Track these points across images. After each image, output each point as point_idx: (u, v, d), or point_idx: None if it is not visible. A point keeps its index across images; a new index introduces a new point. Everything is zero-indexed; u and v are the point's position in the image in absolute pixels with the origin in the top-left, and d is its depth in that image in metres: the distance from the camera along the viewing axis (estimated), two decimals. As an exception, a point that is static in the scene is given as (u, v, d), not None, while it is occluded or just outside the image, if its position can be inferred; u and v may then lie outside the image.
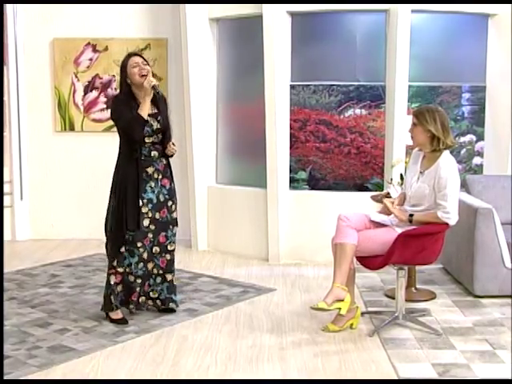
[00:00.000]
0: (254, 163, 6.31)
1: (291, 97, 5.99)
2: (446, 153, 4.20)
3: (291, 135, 6.01)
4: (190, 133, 6.39)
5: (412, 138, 4.28)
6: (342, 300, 4.09)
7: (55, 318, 4.51)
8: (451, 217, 4.09)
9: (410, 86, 5.83)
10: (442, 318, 4.52)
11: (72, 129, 6.94)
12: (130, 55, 4.41)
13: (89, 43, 6.82)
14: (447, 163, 4.14)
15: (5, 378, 3.49)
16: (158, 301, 4.57)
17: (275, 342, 4.10)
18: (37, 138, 6.95)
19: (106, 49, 6.82)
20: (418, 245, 4.11)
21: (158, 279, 4.52)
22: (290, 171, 6.05)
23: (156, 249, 4.45)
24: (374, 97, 5.90)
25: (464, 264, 5.04)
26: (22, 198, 6.95)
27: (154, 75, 4.41)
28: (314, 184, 6.04)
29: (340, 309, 4.10)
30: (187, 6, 6.23)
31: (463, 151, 6.05)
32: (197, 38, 6.32)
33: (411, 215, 4.18)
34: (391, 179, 5.26)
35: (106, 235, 4.42)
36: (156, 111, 4.41)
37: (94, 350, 3.94)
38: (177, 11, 6.47)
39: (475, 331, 4.26)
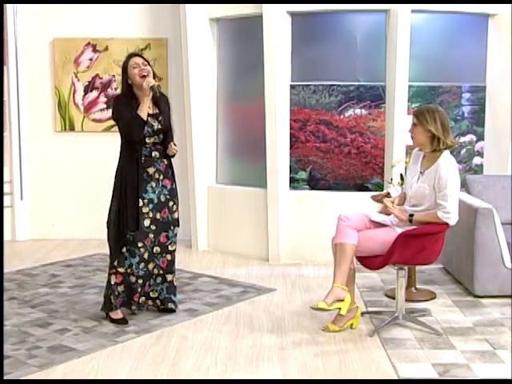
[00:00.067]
0: (253, 163, 6.31)
1: (291, 97, 5.99)
2: (446, 153, 4.20)
3: (291, 135, 6.01)
4: (190, 133, 6.39)
5: (412, 137, 4.28)
6: (342, 300, 4.09)
7: (55, 318, 4.51)
8: (451, 217, 4.09)
9: (410, 86, 5.83)
10: (442, 317, 4.52)
11: (72, 129, 6.94)
12: (130, 56, 4.42)
13: (89, 43, 6.82)
14: (447, 163, 4.14)
15: (5, 378, 3.49)
16: (157, 300, 4.57)
17: (275, 341, 4.10)
18: (37, 138, 6.95)
19: (106, 49, 6.82)
20: (418, 245, 4.11)
21: (159, 279, 4.52)
22: (290, 171, 6.05)
23: (157, 249, 4.45)
24: (374, 97, 5.90)
25: (464, 264, 5.04)
26: (22, 198, 6.95)
27: (154, 75, 4.41)
28: (314, 184, 6.04)
29: (340, 309, 4.10)
30: (187, 5, 6.23)
31: (463, 151, 6.05)
32: (197, 37, 6.32)
33: (411, 215, 4.18)
34: (391, 179, 5.26)
35: (108, 235, 4.41)
36: (157, 112, 4.41)
37: (94, 350, 3.94)
38: (177, 11, 6.47)
39: (475, 331, 4.26)
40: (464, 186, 5.39)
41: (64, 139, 6.97)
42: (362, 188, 5.96)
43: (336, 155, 5.98)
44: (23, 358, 3.83)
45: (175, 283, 4.59)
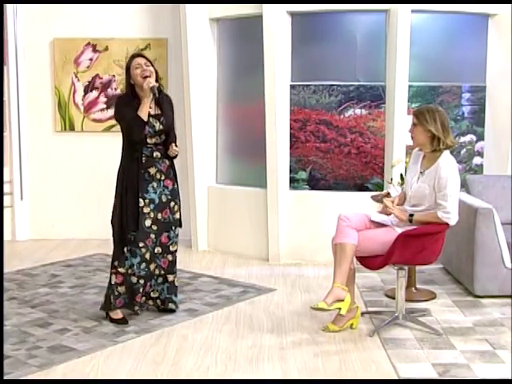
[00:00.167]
0: (253, 163, 6.31)
1: (291, 97, 5.99)
2: (446, 153, 4.20)
3: (291, 135, 6.01)
4: (190, 133, 6.39)
5: (412, 137, 4.28)
6: (342, 300, 4.09)
7: (55, 318, 4.51)
8: (451, 217, 4.09)
9: (410, 86, 5.83)
10: (442, 317, 4.52)
11: (72, 129, 6.94)
12: (133, 56, 4.43)
13: (89, 43, 6.82)
14: (447, 163, 4.14)
15: (5, 378, 3.49)
16: (158, 300, 4.57)
17: (275, 341, 4.10)
18: (37, 138, 6.95)
19: (106, 49, 6.82)
20: (418, 245, 4.11)
21: (160, 280, 4.52)
22: (290, 171, 6.05)
23: (158, 249, 4.45)
24: (374, 97, 5.90)
25: (464, 264, 5.04)
26: (22, 198, 6.95)
27: (157, 76, 4.40)
28: (314, 184, 6.04)
29: (340, 309, 4.10)
30: (187, 5, 6.23)
31: (463, 151, 6.05)
32: (197, 37, 6.32)
33: (411, 215, 4.18)
34: (391, 179, 5.26)
35: (113, 235, 4.41)
36: (159, 112, 4.41)
37: (94, 350, 3.94)
38: (177, 11, 6.47)
39: (475, 331, 4.26)
40: (464, 185, 5.39)
41: (64, 139, 6.97)
42: (361, 188, 5.96)
43: (336, 155, 5.98)
44: (23, 358, 3.83)
45: (176, 283, 4.59)
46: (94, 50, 6.83)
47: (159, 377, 3.61)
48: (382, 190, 5.73)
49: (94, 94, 6.89)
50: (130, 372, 3.67)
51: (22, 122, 6.87)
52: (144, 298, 4.51)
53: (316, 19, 5.92)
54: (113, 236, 4.41)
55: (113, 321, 4.40)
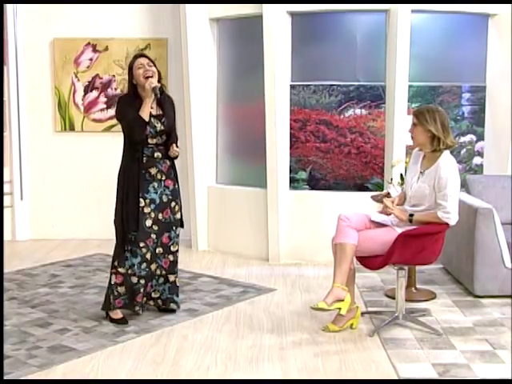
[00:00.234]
0: (253, 163, 6.31)
1: (291, 97, 5.99)
2: (446, 153, 4.20)
3: (291, 135, 6.01)
4: (190, 133, 6.39)
5: (412, 138, 4.28)
6: (342, 300, 4.09)
7: (55, 318, 4.51)
8: (451, 217, 4.09)
9: (410, 86, 5.83)
10: (442, 317, 4.52)
11: (72, 129, 6.94)
12: (136, 56, 4.43)
13: (89, 43, 6.82)
14: (447, 163, 4.14)
15: (5, 378, 3.49)
16: (159, 300, 4.57)
17: (275, 341, 4.10)
18: (37, 138, 6.95)
19: (106, 49, 6.82)
20: (418, 245, 4.11)
21: (161, 280, 4.52)
22: (290, 171, 6.05)
23: (159, 249, 4.45)
24: (374, 97, 5.90)
25: (464, 264, 5.04)
26: (22, 198, 6.95)
27: (160, 76, 4.40)
28: (314, 184, 6.04)
29: (340, 309, 4.10)
30: (187, 5, 6.23)
31: (463, 151, 6.05)
32: (197, 37, 6.32)
33: (411, 215, 4.18)
34: (391, 179, 5.26)
35: (116, 233, 4.42)
36: (161, 113, 4.41)
37: (94, 350, 3.94)
38: (177, 11, 6.47)
39: (475, 331, 4.26)
40: (464, 185, 5.39)
41: (64, 139, 6.97)
42: (361, 188, 5.96)
43: (336, 155, 5.98)
44: (23, 358, 3.83)
45: (177, 283, 4.59)
46: (94, 50, 6.83)
47: (159, 377, 3.61)
48: (382, 190, 5.73)
49: (94, 94, 6.89)
50: (129, 372, 3.67)
51: (22, 122, 6.87)
52: (145, 299, 4.51)
53: (316, 19, 5.92)
54: (116, 237, 4.42)
55: (113, 321, 4.40)
